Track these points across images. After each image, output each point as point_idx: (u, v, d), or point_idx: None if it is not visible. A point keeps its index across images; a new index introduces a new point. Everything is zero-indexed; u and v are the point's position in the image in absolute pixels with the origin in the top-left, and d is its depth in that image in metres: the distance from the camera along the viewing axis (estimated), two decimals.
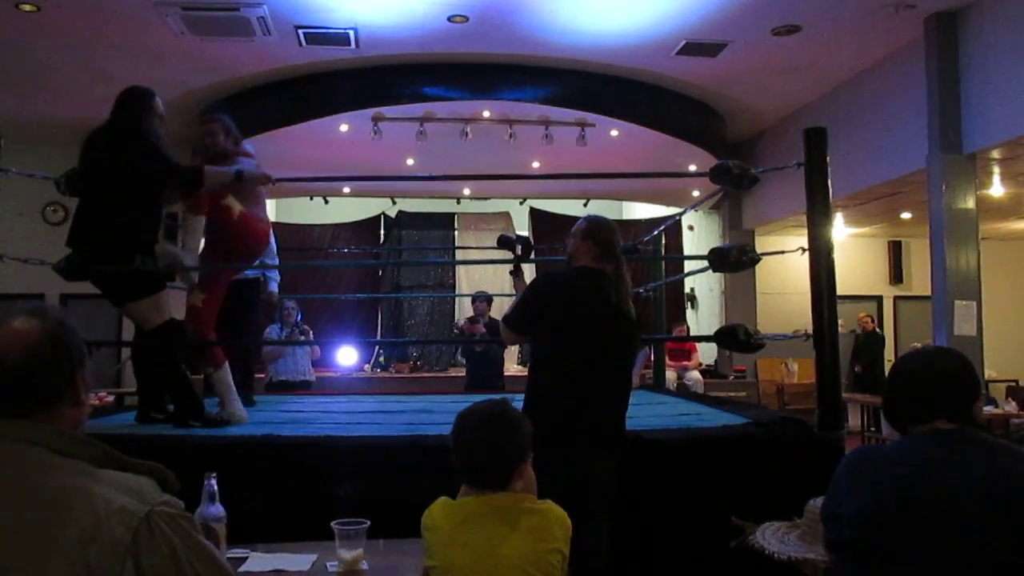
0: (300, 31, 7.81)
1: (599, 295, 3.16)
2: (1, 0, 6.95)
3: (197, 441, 3.48)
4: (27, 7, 7.08)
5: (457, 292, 12.73)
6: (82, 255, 3.78)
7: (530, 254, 3.87)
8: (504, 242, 3.97)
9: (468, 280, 12.74)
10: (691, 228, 13.21)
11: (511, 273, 3.82)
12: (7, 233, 9.80)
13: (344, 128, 9.41)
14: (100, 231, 3.74)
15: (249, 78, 9.05)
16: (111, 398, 8.78)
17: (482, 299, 8.48)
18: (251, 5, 7.19)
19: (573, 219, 13.47)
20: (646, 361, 8.62)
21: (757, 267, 4.38)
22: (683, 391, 8.98)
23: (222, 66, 8.57)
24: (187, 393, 3.95)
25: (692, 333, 12.45)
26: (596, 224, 3.33)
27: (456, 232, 13.33)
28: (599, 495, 2.99)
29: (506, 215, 13.27)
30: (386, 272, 12.92)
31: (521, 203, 13.10)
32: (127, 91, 3.91)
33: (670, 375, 9.26)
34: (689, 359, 11.03)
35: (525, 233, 13.21)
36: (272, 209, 13.21)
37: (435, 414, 4.79)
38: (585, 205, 13.11)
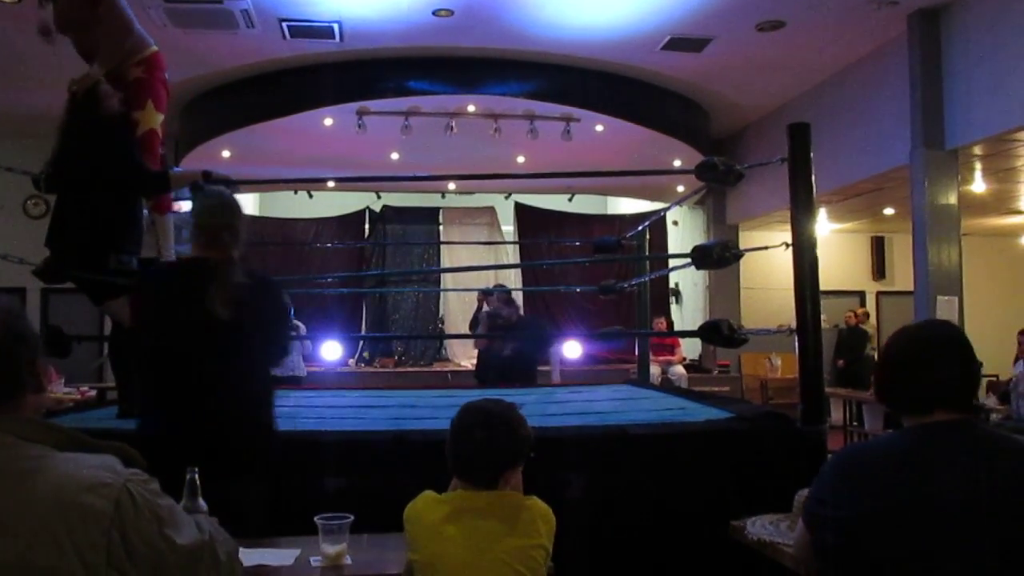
0: (284, 24, 7.77)
1: (190, 290, 2.74)
2: None
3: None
4: None
5: (442, 287, 12.71)
6: (59, 256, 3.74)
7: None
8: (195, 188, 3.72)
9: (453, 275, 12.74)
10: (676, 223, 13.25)
11: None
12: None
13: (328, 122, 9.37)
14: (74, 232, 3.69)
15: (232, 71, 9.00)
16: (93, 392, 8.72)
17: (502, 293, 8.38)
18: None
19: (559, 214, 13.53)
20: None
21: (741, 262, 4.41)
22: (667, 386, 9.00)
23: (205, 59, 8.51)
24: None
25: (676, 328, 12.49)
26: (199, 205, 2.97)
27: (441, 226, 13.31)
28: None
29: (491, 209, 13.26)
30: (371, 267, 12.88)
31: (506, 197, 13.09)
32: (92, 86, 3.82)
33: (654, 370, 9.28)
34: (673, 354, 11.06)
35: (509, 227, 13.23)
36: (255, 203, 13.18)
37: (419, 409, 4.78)
38: (570, 200, 13.12)
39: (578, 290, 11.40)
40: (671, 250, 12.63)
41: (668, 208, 9.10)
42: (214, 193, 2.99)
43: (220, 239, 2.76)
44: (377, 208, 13.10)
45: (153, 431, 2.75)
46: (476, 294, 9.70)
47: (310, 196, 12.72)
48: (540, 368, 7.89)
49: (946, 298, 7.34)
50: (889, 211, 11.34)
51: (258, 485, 2.74)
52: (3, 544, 1.20)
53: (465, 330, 12.24)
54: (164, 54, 4.19)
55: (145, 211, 4.03)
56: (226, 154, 10.06)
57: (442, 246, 13.12)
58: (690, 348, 12.23)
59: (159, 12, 7.19)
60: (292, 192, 12.58)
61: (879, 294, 13.86)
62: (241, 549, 2.38)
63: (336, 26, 7.87)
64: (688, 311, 13.26)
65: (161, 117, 4.08)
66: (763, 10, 7.60)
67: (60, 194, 3.84)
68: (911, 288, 7.80)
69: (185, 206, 3.46)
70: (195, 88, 9.28)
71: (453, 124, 9.39)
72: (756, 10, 7.60)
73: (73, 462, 1.28)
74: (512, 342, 7.47)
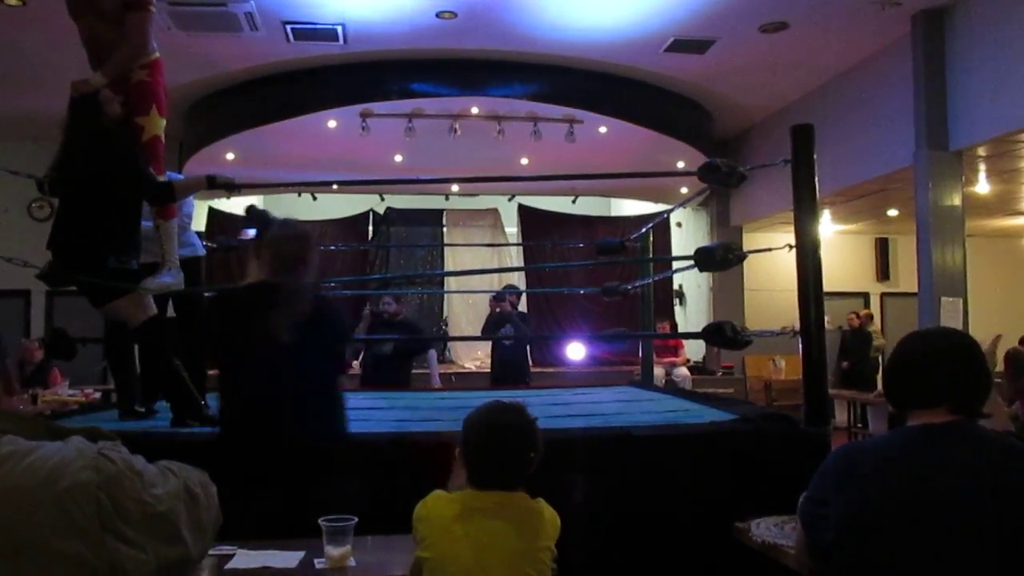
0: (288, 26, 7.79)
1: (264, 312, 2.90)
2: None
3: (191, 438, 3.46)
4: (12, 1, 7.04)
5: (446, 289, 12.72)
6: (60, 259, 3.75)
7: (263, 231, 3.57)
8: (249, 215, 3.83)
9: (456, 277, 12.74)
10: (679, 225, 13.24)
11: (254, 253, 3.48)
12: None
13: (332, 124, 9.38)
14: (75, 236, 3.71)
15: (236, 74, 9.02)
16: (98, 395, 8.73)
17: (512, 294, 8.40)
18: (239, 0, 7.16)
19: (562, 216, 13.53)
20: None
21: (745, 264, 4.40)
22: (671, 387, 9.00)
23: (209, 62, 8.53)
24: (183, 391, 3.89)
25: (680, 330, 12.48)
26: (278, 234, 3.15)
27: (445, 228, 13.32)
28: None
29: (494, 211, 13.26)
30: (374, 269, 12.89)
31: (510, 199, 13.09)
32: (93, 92, 3.81)
33: (658, 371, 9.28)
34: (676, 355, 11.06)
35: (513, 229, 13.23)
36: (259, 205, 13.17)
37: (422, 411, 4.78)
38: (574, 202, 13.12)
39: (581, 292, 11.40)
40: (675, 252, 12.63)
41: (672, 210, 9.11)
42: (289, 224, 3.16)
43: (294, 268, 2.96)
44: (381, 210, 13.12)
45: (229, 440, 2.97)
46: (482, 297, 9.70)
47: (314, 198, 12.73)
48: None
49: (950, 299, 7.33)
50: (893, 212, 11.33)
51: (332, 486, 2.90)
52: None
53: (468, 332, 12.26)
54: (168, 57, 4.20)
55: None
56: (230, 156, 10.08)
57: (446, 248, 13.12)
58: (694, 350, 12.23)
59: (163, 15, 7.19)
60: (296, 194, 12.59)
61: (883, 295, 13.84)
62: (246, 551, 2.39)
63: (340, 28, 7.89)
64: (692, 313, 13.25)
65: (163, 122, 4.09)
66: (766, 11, 7.60)
67: (62, 198, 3.85)
68: (915, 290, 7.78)
69: (250, 233, 3.53)
70: (199, 91, 9.29)
71: (457, 126, 9.40)
72: (759, 11, 7.60)
73: (47, 446, 1.33)
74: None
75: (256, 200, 12.81)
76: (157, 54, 4.11)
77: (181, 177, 4.53)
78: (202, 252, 4.95)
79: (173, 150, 8.04)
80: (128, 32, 3.88)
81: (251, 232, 3.52)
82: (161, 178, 3.98)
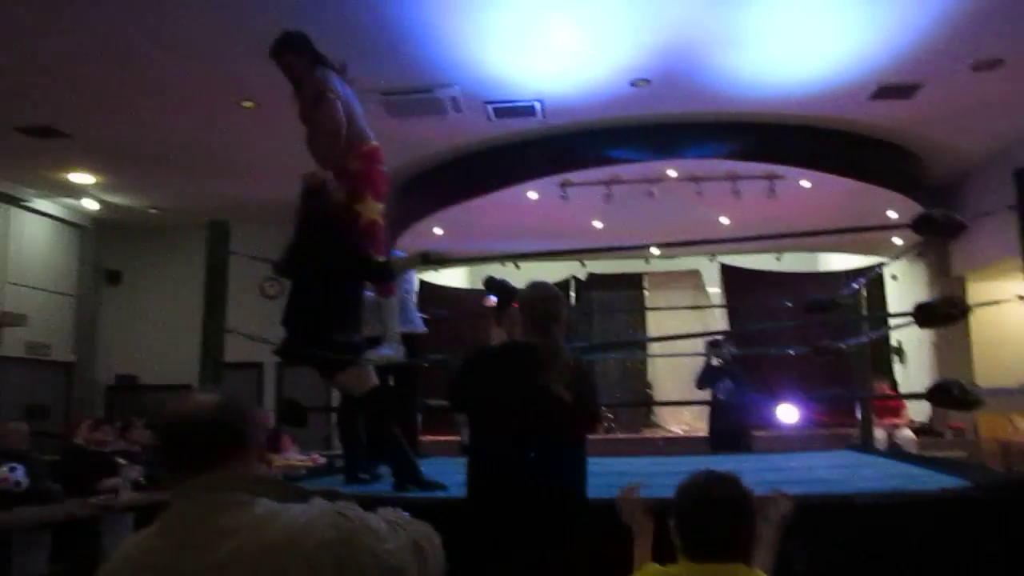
0: (489, 106, 8.17)
1: (522, 371, 2.96)
2: (225, 99, 7.75)
3: (412, 502, 3.61)
4: (247, 104, 7.86)
5: (649, 353, 12.65)
6: (294, 335, 4.09)
7: (507, 304, 3.61)
8: (489, 286, 3.87)
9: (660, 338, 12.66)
10: (894, 277, 12.56)
11: (495, 319, 3.57)
12: (229, 306, 10.68)
13: (533, 195, 9.68)
14: (306, 314, 4.04)
15: (442, 153, 9.52)
16: (323, 460, 9.28)
17: (731, 345, 8.23)
18: (444, 86, 7.63)
19: (766, 274, 13.18)
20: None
21: (971, 315, 4.12)
22: (894, 451, 8.47)
23: (417, 144, 9.06)
24: (403, 456, 4.09)
25: (901, 389, 11.75)
26: (530, 295, 3.16)
27: (646, 291, 13.31)
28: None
29: (696, 272, 13.13)
30: (578, 334, 13.04)
31: (711, 259, 12.93)
32: (320, 184, 4.15)
33: (879, 434, 8.76)
34: (899, 416, 10.39)
35: (715, 289, 13.03)
36: (465, 275, 13.73)
37: (631, 476, 4.75)
38: (778, 258, 12.77)
39: (791, 352, 11.00)
40: (891, 306, 11.97)
41: (885, 263, 8.66)
42: (539, 285, 3.22)
43: (549, 328, 3.02)
44: (582, 276, 13.31)
45: (478, 497, 2.98)
46: (688, 360, 9.58)
47: (517, 267, 13.09)
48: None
49: None
50: None
51: (568, 551, 2.89)
52: None
53: (674, 396, 12.10)
54: (380, 142, 4.52)
55: (370, 293, 4.34)
56: (438, 231, 10.58)
57: (648, 311, 13.09)
58: (918, 409, 11.44)
59: (376, 105, 7.74)
60: (500, 263, 13.02)
61: None
62: None
63: (537, 104, 8.18)
64: (913, 370, 12.44)
65: (381, 206, 4.40)
66: (977, 49, 7.19)
67: (294, 279, 4.22)
68: None
69: (492, 300, 3.79)
70: (408, 171, 9.86)
71: (654, 189, 9.45)
72: (970, 50, 7.20)
73: (294, 508, 1.53)
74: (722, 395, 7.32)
75: (460, 271, 13.38)
76: (373, 143, 4.45)
77: (403, 255, 4.85)
78: (422, 329, 5.24)
79: (386, 229, 8.54)
80: (321, 124, 4.24)
81: (493, 299, 3.74)
82: (380, 258, 4.28)
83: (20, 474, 6.08)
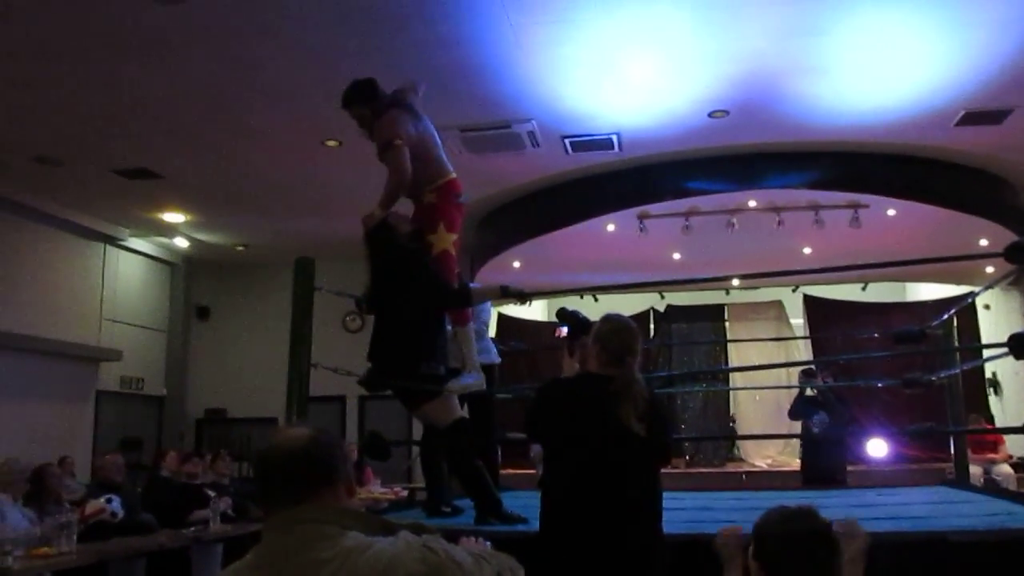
0: (566, 140, 8.23)
1: (596, 403, 2.95)
2: (311, 139, 7.99)
3: (494, 535, 3.61)
4: (331, 143, 8.08)
5: (731, 385, 12.45)
6: (378, 368, 4.17)
7: (580, 335, 3.54)
8: (561, 316, 3.81)
9: (743, 373, 12.45)
10: (987, 307, 12.15)
11: (567, 351, 3.51)
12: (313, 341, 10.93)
13: (611, 228, 9.69)
14: (389, 347, 4.13)
15: (520, 187, 9.60)
16: (405, 492, 9.37)
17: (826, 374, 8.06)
18: (521, 121, 7.71)
19: (852, 304, 12.90)
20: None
21: None
22: (992, 487, 8.15)
23: (495, 178, 9.17)
24: (484, 488, 4.12)
25: (997, 422, 11.30)
26: (604, 327, 3.14)
27: (727, 323, 13.13)
28: None
29: (778, 303, 12.92)
30: (658, 367, 12.93)
31: (794, 290, 12.71)
32: (378, 223, 4.25)
33: (975, 470, 8.43)
34: (996, 451, 9.99)
35: (799, 320, 12.78)
36: (543, 308, 13.75)
37: (715, 511, 4.69)
38: (864, 288, 12.48)
39: (880, 384, 10.71)
40: (984, 336, 11.59)
41: (977, 293, 8.38)
42: (613, 317, 3.21)
43: (624, 360, 3.00)
44: (661, 308, 13.21)
45: (550, 531, 2.96)
46: (771, 393, 9.42)
47: (595, 299, 13.06)
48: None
49: None
50: None
51: None
52: None
53: (757, 429, 11.87)
54: (459, 177, 4.60)
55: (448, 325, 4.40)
56: (516, 264, 10.66)
57: (729, 343, 12.90)
58: (1017, 444, 10.98)
59: (456, 141, 7.89)
60: (578, 296, 13.01)
61: None
62: None
63: (615, 137, 8.21)
64: (1010, 403, 11.97)
65: (453, 237, 4.46)
66: None
67: (376, 314, 4.31)
68: None
69: (564, 331, 3.82)
70: (487, 206, 9.98)
71: (734, 220, 9.36)
72: None
73: (381, 541, 1.58)
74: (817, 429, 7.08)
75: (539, 304, 13.42)
76: (451, 175, 4.52)
77: (477, 286, 4.91)
78: (497, 359, 5.28)
79: (465, 261, 8.67)
80: (389, 170, 4.34)
81: (564, 330, 3.75)
82: (456, 284, 4.35)
83: (116, 505, 6.29)
